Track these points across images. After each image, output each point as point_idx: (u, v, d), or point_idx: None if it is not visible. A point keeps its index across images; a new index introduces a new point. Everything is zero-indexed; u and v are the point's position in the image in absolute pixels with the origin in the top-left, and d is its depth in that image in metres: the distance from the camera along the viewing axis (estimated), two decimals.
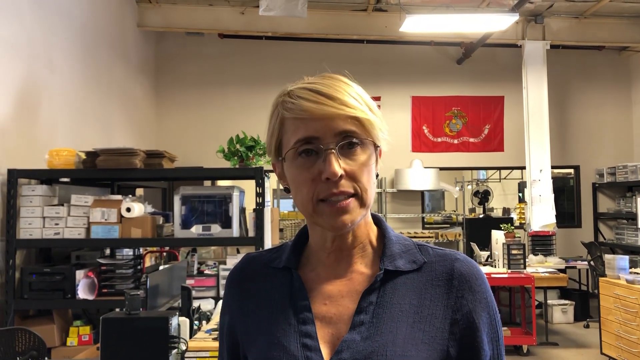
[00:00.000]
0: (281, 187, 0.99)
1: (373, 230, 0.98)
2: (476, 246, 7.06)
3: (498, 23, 6.69)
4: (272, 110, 0.95)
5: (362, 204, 0.90)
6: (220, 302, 2.19)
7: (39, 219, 3.96)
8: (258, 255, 1.04)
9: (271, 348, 0.90)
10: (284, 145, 0.92)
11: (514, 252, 6.23)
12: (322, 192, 0.87)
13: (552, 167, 8.01)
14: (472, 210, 9.93)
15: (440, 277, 0.92)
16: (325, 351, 0.88)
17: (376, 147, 0.92)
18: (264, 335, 0.92)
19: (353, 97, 0.89)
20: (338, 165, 0.86)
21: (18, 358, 3.07)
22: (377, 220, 1.00)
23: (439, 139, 8.85)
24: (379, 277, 0.91)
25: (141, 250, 4.41)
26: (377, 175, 0.95)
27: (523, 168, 8.37)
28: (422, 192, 8.87)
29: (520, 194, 9.53)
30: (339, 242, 0.93)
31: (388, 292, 0.91)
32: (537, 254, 7.37)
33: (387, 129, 0.96)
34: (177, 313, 2.59)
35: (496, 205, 10.40)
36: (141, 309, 2.57)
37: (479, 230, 7.93)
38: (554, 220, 7.71)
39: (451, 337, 0.88)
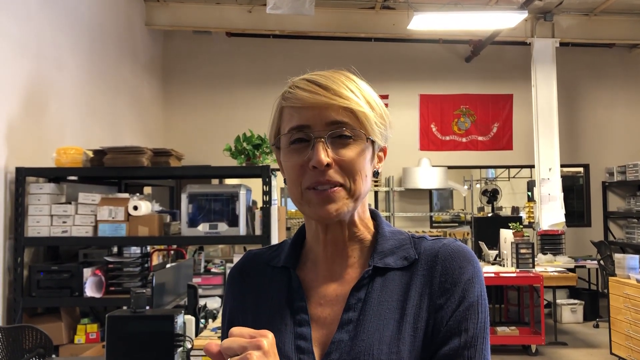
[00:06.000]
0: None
1: (370, 227, 0.97)
2: (485, 245, 7.03)
3: (507, 21, 6.65)
4: (275, 102, 0.96)
5: (351, 195, 0.89)
6: None
7: (47, 217, 3.97)
8: (259, 252, 1.04)
9: None
10: (281, 134, 0.93)
11: (522, 251, 6.18)
12: (308, 180, 0.88)
13: (562, 166, 7.96)
14: (481, 209, 9.88)
15: (426, 266, 0.91)
16: (317, 353, 0.88)
17: (371, 141, 0.90)
18: None
19: (350, 90, 0.89)
20: (325, 155, 0.86)
21: (25, 355, 3.08)
22: (374, 216, 0.99)
23: (447, 138, 8.81)
24: (367, 274, 0.90)
25: (148, 248, 4.42)
26: (376, 173, 0.94)
27: (532, 167, 8.32)
28: (430, 191, 8.84)
29: (529, 193, 9.48)
30: (332, 234, 0.93)
31: (376, 289, 0.90)
32: (546, 253, 7.33)
33: (391, 125, 0.94)
34: (183, 311, 2.58)
35: (505, 204, 10.35)
36: (147, 307, 2.57)
37: (487, 229, 7.89)
38: (563, 219, 7.65)
39: (437, 323, 0.87)
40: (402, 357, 0.84)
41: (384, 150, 0.96)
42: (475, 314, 0.87)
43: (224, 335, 1.02)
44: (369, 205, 1.00)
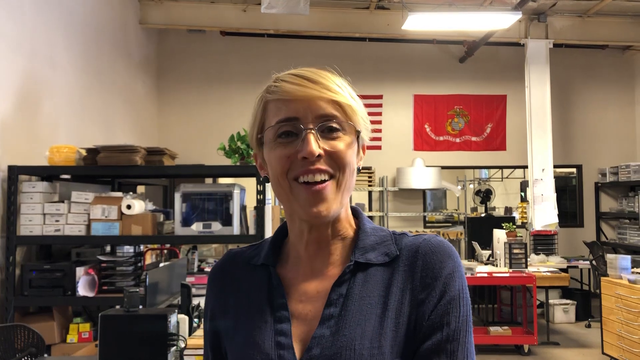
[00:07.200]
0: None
1: (352, 223, 0.97)
2: (478, 245, 7.05)
3: (501, 21, 6.67)
4: (257, 98, 0.95)
5: (339, 188, 0.89)
6: None
7: (40, 215, 3.95)
8: (240, 251, 1.04)
9: (247, 346, 0.90)
10: (265, 128, 0.92)
11: (515, 251, 6.21)
12: (296, 169, 0.87)
13: (555, 167, 7.99)
14: (474, 209, 9.91)
15: (407, 261, 0.91)
16: (298, 349, 0.88)
17: (357, 134, 0.91)
18: (242, 333, 0.92)
19: (336, 84, 0.90)
20: (317, 146, 0.86)
21: (17, 355, 3.07)
22: (356, 212, 0.99)
23: (441, 138, 8.83)
24: (348, 269, 0.90)
25: (142, 247, 4.40)
26: (358, 170, 0.94)
27: (525, 167, 8.36)
28: (423, 191, 8.85)
29: (522, 193, 9.51)
30: (317, 233, 0.93)
31: (358, 285, 0.90)
32: (539, 254, 7.36)
33: (369, 123, 0.95)
34: (177, 310, 2.58)
35: (498, 205, 10.38)
36: (140, 307, 2.56)
37: (480, 230, 7.92)
38: (556, 220, 7.68)
39: (419, 318, 0.87)
40: (383, 352, 0.84)
41: (363, 147, 0.96)
42: (457, 308, 0.87)
43: (206, 335, 1.02)
44: (363, 204, 1.00)
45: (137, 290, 2.49)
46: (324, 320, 0.88)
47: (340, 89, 0.89)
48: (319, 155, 0.86)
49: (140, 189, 6.55)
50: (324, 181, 0.87)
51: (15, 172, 3.92)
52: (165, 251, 5.07)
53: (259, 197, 4.00)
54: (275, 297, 0.92)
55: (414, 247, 0.92)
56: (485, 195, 9.42)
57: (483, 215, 9.18)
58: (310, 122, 0.87)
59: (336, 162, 0.88)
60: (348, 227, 0.95)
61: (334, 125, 0.88)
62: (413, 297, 0.88)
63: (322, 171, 0.87)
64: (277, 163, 0.89)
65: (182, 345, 2.56)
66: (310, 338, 0.87)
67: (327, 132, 0.88)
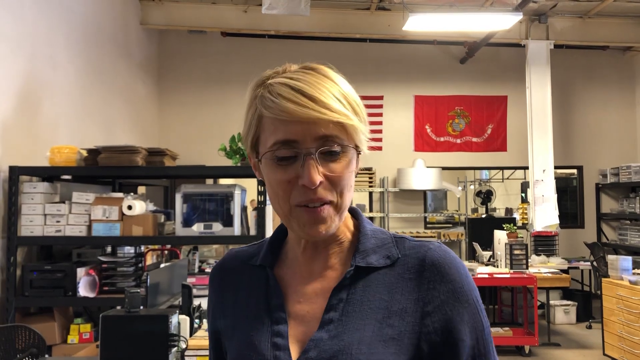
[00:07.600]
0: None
1: (350, 225, 0.95)
2: (478, 246, 7.04)
3: (501, 22, 6.67)
4: (249, 100, 0.92)
5: (338, 209, 0.87)
6: None
7: (40, 216, 3.95)
8: (240, 251, 1.03)
9: (245, 347, 0.90)
10: (261, 143, 0.89)
11: (516, 252, 6.20)
12: (298, 197, 0.85)
13: (555, 168, 7.99)
14: (475, 210, 9.91)
15: (412, 269, 0.89)
16: (294, 350, 0.87)
17: (358, 152, 0.89)
18: (240, 333, 0.92)
19: (337, 99, 0.84)
20: (317, 173, 0.83)
21: (18, 355, 3.06)
22: (355, 213, 0.97)
23: (442, 139, 8.83)
24: (349, 274, 0.89)
25: (142, 248, 4.40)
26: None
27: (526, 168, 8.36)
28: (424, 192, 8.85)
29: (523, 194, 9.51)
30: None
31: (359, 289, 0.88)
32: (540, 255, 7.35)
33: (368, 130, 0.91)
34: (178, 311, 2.58)
35: (499, 206, 10.38)
36: (141, 307, 2.56)
37: (481, 230, 7.91)
38: (557, 221, 7.68)
39: (423, 331, 0.85)
40: (380, 358, 0.83)
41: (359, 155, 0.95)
42: (479, 322, 0.88)
43: (211, 334, 1.03)
44: (364, 205, 0.99)
45: (138, 290, 2.49)
46: (323, 324, 0.87)
47: (341, 105, 0.84)
48: (320, 182, 0.84)
49: (141, 189, 6.55)
50: (323, 204, 0.85)
51: (16, 173, 3.92)
52: (166, 252, 5.08)
53: (259, 197, 4.00)
54: (272, 298, 0.92)
55: (420, 255, 0.89)
56: (485, 196, 9.42)
57: (484, 216, 9.18)
58: (310, 145, 0.83)
59: (335, 187, 0.85)
60: (346, 230, 0.94)
61: (335, 149, 0.84)
62: (419, 307, 0.86)
63: (322, 200, 0.85)
64: (279, 187, 0.86)
65: (183, 346, 2.56)
66: (308, 340, 0.86)
67: (327, 154, 0.84)
